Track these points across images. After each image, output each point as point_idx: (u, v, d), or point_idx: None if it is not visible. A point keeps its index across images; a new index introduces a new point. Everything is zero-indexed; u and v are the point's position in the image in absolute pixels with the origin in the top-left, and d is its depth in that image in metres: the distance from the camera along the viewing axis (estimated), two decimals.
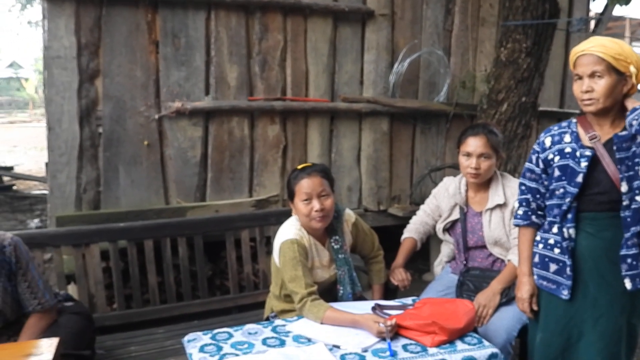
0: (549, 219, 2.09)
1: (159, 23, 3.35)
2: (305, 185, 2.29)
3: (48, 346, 1.76)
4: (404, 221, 2.93)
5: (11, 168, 9.69)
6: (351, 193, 4.03)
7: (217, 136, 3.54)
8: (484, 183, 2.57)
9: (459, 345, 1.94)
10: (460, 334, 1.99)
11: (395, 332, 1.98)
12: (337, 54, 3.92)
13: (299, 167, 2.39)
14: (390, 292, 2.65)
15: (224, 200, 3.55)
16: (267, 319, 2.58)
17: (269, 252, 3.25)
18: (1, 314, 2.08)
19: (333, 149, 3.96)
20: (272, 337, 2.05)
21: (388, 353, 1.87)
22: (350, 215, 2.54)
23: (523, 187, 2.18)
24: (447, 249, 2.77)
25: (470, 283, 2.53)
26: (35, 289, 2.10)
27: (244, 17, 3.58)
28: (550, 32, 3.66)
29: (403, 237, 2.81)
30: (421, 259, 4.36)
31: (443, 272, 2.77)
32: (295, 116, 3.78)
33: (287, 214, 2.85)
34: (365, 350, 1.91)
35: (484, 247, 2.58)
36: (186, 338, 2.07)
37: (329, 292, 2.37)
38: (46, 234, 2.78)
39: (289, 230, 2.36)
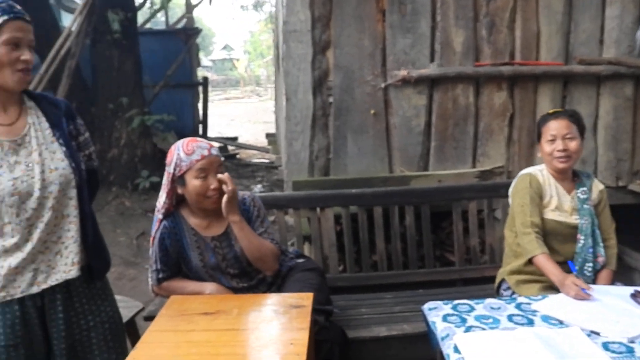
0: None
1: None
2: (552, 126, 2.39)
3: (307, 298, 1.90)
4: None
5: (235, 139, 10.83)
6: (585, 166, 3.64)
7: (441, 104, 3.44)
8: None
9: None
10: None
11: None
12: (573, 11, 3.51)
13: (550, 111, 2.52)
14: None
15: (446, 170, 3.46)
16: (498, 287, 2.57)
17: (496, 227, 3.12)
18: (238, 260, 2.23)
19: None
20: (518, 315, 1.94)
21: None
22: (599, 182, 2.54)
23: None
24: None
25: None
26: (270, 235, 2.28)
27: None
28: None
29: None
30: None
31: None
32: (524, 82, 3.51)
33: None
34: (632, 341, 1.71)
35: None
36: (426, 306, 2.06)
37: (566, 240, 2.38)
38: (288, 197, 3.01)
39: (530, 168, 2.53)
